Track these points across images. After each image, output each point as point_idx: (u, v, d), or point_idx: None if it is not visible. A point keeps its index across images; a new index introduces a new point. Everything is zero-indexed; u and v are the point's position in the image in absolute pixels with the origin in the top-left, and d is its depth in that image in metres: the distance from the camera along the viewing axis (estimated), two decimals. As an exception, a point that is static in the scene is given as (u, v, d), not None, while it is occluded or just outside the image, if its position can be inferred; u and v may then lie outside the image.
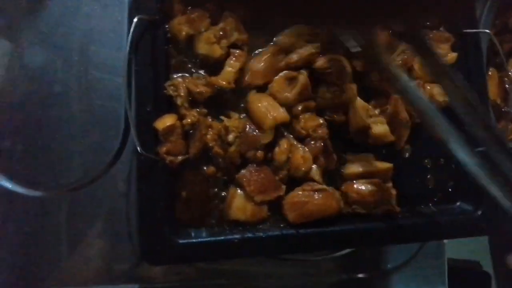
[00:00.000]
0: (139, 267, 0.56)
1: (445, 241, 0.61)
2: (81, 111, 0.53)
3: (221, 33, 0.47)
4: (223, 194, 0.48)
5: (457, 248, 0.65)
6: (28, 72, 0.53)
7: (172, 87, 0.45)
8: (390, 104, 0.50)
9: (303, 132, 0.47)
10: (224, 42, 0.47)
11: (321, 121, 0.48)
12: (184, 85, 0.45)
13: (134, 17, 0.45)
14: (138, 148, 0.43)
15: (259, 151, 0.46)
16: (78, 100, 0.53)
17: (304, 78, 0.47)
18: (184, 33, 0.47)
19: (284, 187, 0.47)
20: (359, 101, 0.49)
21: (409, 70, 0.52)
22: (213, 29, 0.47)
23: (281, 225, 0.47)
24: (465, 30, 0.54)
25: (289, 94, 0.47)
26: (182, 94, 0.45)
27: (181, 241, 0.44)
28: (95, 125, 0.53)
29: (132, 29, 0.44)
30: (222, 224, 0.47)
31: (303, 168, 0.46)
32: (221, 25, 0.47)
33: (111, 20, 0.54)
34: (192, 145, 0.46)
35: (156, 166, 0.45)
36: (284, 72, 0.48)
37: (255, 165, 0.47)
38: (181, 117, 0.46)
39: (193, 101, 0.47)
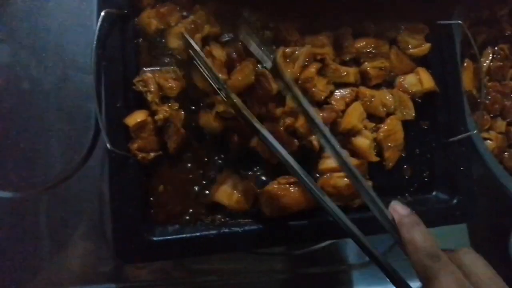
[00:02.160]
0: (122, 267, 0.55)
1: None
2: (52, 109, 0.52)
3: (192, 26, 0.46)
4: (204, 182, 0.47)
5: (435, 237, 0.66)
6: (-7, 71, 0.51)
7: (141, 83, 0.44)
8: (386, 123, 0.50)
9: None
10: (198, 36, 0.46)
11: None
12: (154, 80, 0.44)
13: (101, 11, 0.43)
14: (108, 145, 0.42)
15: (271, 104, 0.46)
16: (48, 97, 0.52)
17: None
18: (153, 27, 0.46)
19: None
20: (359, 105, 0.49)
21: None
22: (183, 23, 0.46)
23: (258, 219, 0.46)
24: (438, 22, 0.54)
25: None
26: (152, 89, 0.44)
27: (155, 239, 0.44)
28: (67, 123, 0.52)
29: (99, 23, 0.43)
30: (198, 216, 0.46)
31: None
32: (191, 18, 0.46)
33: (81, 15, 0.53)
34: (170, 141, 0.45)
35: (127, 163, 0.44)
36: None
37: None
38: (152, 113, 0.45)
39: (165, 96, 0.46)
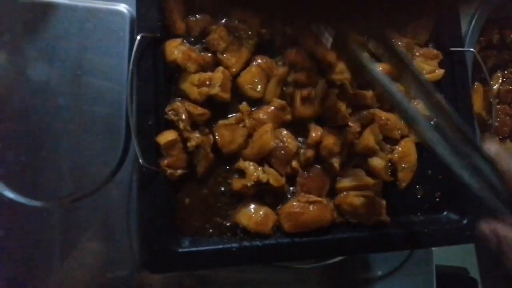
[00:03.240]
0: (136, 274, 0.57)
1: (433, 248, 0.64)
2: (82, 124, 0.55)
3: (206, 83, 0.48)
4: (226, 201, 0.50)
5: (444, 256, 0.68)
6: (31, 85, 0.54)
7: (172, 112, 0.47)
8: (400, 145, 0.53)
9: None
10: (205, 91, 0.48)
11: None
12: (184, 108, 0.47)
13: (138, 34, 0.47)
14: (140, 160, 0.45)
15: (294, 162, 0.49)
16: (79, 113, 0.55)
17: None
18: (173, 58, 0.48)
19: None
20: (376, 128, 0.52)
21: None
22: (201, 75, 0.48)
23: (277, 234, 0.49)
24: (451, 49, 0.57)
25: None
26: (183, 117, 0.47)
27: (180, 250, 0.46)
28: (97, 138, 0.55)
29: (135, 46, 0.46)
30: (221, 229, 0.49)
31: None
32: (209, 74, 0.49)
33: (115, 36, 0.56)
34: (199, 165, 0.48)
35: (156, 178, 0.47)
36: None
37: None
38: (184, 140, 0.47)
39: (195, 122, 0.48)
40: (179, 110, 0.47)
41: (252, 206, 0.49)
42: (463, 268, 0.76)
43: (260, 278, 0.60)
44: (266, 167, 0.49)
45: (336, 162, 0.48)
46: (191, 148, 0.47)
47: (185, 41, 0.50)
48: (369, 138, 0.50)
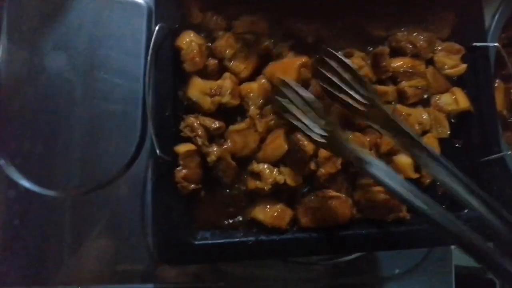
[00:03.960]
0: (150, 267, 0.57)
1: (452, 248, 0.62)
2: (100, 115, 0.55)
3: (217, 92, 0.48)
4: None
5: (463, 256, 0.66)
6: (48, 77, 0.54)
7: (188, 128, 0.47)
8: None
9: None
10: (217, 100, 0.48)
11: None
12: (199, 123, 0.47)
13: (156, 25, 0.46)
14: (157, 151, 0.45)
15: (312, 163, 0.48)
16: (96, 104, 0.55)
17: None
18: (189, 49, 0.47)
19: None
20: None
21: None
22: (211, 83, 0.48)
23: (294, 229, 0.48)
24: (474, 44, 0.55)
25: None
26: (200, 133, 0.46)
27: (196, 243, 0.46)
28: (113, 129, 0.55)
29: (154, 37, 0.46)
30: (237, 223, 0.48)
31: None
32: (219, 82, 0.48)
33: (131, 27, 0.56)
34: (224, 176, 0.47)
35: (172, 169, 0.46)
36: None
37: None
38: (202, 155, 0.47)
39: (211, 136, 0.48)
40: (194, 125, 0.46)
41: (268, 201, 0.48)
42: (482, 269, 0.74)
43: (277, 275, 0.59)
44: (282, 167, 0.48)
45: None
46: (211, 163, 0.46)
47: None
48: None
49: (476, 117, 0.54)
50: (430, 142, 0.51)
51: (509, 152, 0.55)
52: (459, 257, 0.63)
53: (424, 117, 0.52)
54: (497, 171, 0.53)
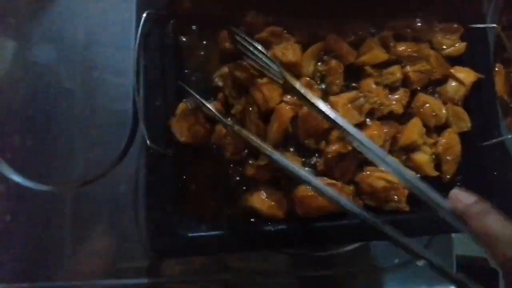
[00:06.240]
0: (146, 262, 0.56)
1: (453, 236, 0.61)
2: (90, 107, 0.54)
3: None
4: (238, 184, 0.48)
5: (465, 245, 0.65)
6: (37, 69, 0.54)
7: (220, 77, 0.46)
8: (444, 137, 0.50)
9: None
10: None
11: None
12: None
13: (143, 12, 0.45)
14: (148, 142, 0.44)
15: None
16: (87, 96, 0.54)
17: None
18: None
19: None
20: (418, 120, 0.49)
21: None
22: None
23: (291, 219, 0.47)
24: (471, 25, 0.54)
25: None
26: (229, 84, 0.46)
27: (189, 234, 0.45)
28: (104, 121, 0.54)
29: (141, 24, 0.45)
30: (233, 213, 0.47)
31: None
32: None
33: (120, 17, 0.55)
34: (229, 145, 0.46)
35: (164, 160, 0.45)
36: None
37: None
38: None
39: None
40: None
41: (266, 190, 0.47)
42: (484, 258, 0.73)
43: (276, 267, 0.58)
44: (282, 150, 0.47)
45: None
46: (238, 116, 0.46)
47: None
48: (412, 131, 0.48)
49: (475, 101, 0.53)
50: (451, 137, 0.50)
51: (510, 136, 0.53)
52: (460, 246, 0.62)
53: (443, 111, 0.50)
54: (497, 156, 0.52)
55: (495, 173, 0.51)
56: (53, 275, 0.53)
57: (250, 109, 0.46)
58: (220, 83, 0.46)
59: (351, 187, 0.48)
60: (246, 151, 0.47)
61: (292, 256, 0.58)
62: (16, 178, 0.51)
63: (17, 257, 0.52)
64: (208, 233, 0.45)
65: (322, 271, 0.58)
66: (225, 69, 0.46)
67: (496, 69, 0.69)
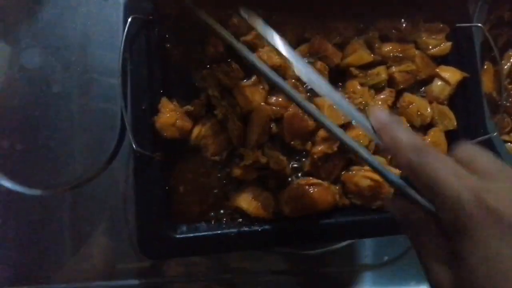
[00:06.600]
0: (142, 263, 0.57)
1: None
2: (79, 111, 0.54)
3: None
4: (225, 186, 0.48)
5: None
6: (26, 73, 0.54)
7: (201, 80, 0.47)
8: (429, 135, 0.51)
9: None
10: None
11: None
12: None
13: (128, 17, 0.45)
14: (134, 145, 0.44)
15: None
16: (75, 100, 0.54)
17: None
18: None
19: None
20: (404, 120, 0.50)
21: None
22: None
23: (278, 218, 0.47)
24: (458, 25, 0.54)
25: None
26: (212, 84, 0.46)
27: (177, 236, 0.45)
28: (93, 125, 0.54)
29: (126, 28, 0.45)
30: (219, 214, 0.48)
31: None
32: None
33: (107, 21, 0.55)
34: (232, 135, 0.47)
35: (151, 163, 0.45)
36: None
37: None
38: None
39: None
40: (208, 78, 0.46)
41: (253, 190, 0.47)
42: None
43: (267, 267, 0.58)
44: (267, 150, 0.47)
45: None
46: (220, 116, 0.46)
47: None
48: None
49: (462, 100, 0.53)
50: (437, 136, 0.51)
51: (495, 134, 0.54)
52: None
53: (429, 110, 0.51)
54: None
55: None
56: (45, 279, 0.54)
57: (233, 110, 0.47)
58: (204, 85, 0.47)
59: (338, 187, 0.48)
60: (226, 152, 0.47)
61: (285, 255, 0.58)
62: (6, 183, 0.51)
63: (7, 262, 0.53)
64: (196, 234, 0.46)
65: (312, 269, 0.59)
66: (209, 72, 0.47)
67: (485, 67, 0.69)
